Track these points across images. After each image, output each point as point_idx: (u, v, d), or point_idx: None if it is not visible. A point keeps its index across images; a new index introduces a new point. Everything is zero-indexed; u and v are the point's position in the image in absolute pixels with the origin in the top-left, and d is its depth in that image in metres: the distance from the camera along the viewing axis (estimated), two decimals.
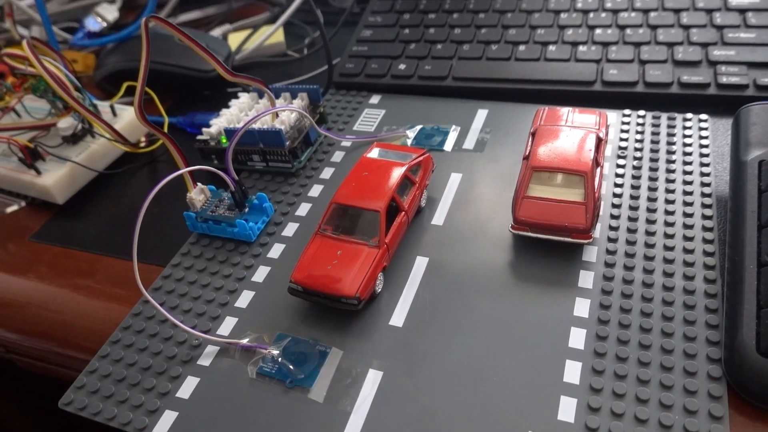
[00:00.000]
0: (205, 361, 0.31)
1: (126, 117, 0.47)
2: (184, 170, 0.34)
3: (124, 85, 0.47)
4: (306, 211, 0.39)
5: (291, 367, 0.30)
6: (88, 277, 0.39)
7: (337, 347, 0.31)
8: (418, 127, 0.44)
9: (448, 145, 0.42)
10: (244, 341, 0.31)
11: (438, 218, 0.37)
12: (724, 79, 0.41)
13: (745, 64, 0.42)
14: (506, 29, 0.50)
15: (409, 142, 0.43)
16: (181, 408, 0.29)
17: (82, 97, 0.44)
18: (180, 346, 0.32)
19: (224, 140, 0.41)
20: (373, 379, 0.29)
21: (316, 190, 0.40)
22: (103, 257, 0.40)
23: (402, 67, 0.49)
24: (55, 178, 0.42)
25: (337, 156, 0.43)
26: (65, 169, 0.43)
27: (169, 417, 0.29)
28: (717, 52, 0.43)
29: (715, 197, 0.35)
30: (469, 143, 0.42)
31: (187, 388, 0.30)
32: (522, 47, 0.48)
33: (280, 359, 0.30)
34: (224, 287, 0.35)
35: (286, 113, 0.41)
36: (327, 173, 0.42)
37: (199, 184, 0.38)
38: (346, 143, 0.44)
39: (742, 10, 0.46)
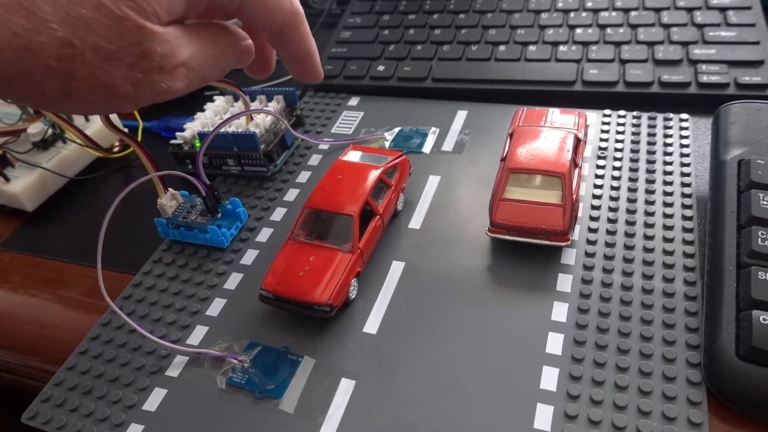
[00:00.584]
0: (173, 371, 0.30)
1: (98, 121, 0.46)
2: (152, 175, 0.33)
3: None
4: (281, 216, 0.38)
5: (261, 377, 0.29)
6: (57, 287, 0.38)
7: (310, 356, 0.30)
8: (397, 129, 0.43)
9: (427, 147, 0.42)
10: (214, 351, 0.30)
11: (415, 222, 0.36)
12: (704, 78, 0.41)
13: (725, 62, 0.42)
14: (486, 29, 0.49)
15: (387, 144, 0.42)
16: (147, 421, 0.28)
17: None
18: (148, 356, 0.31)
19: (198, 144, 0.40)
20: (345, 388, 0.28)
21: (291, 195, 0.40)
22: (73, 266, 0.39)
23: (381, 68, 0.48)
24: (24, 185, 0.41)
25: (315, 159, 0.42)
26: (35, 175, 0.42)
27: (134, 430, 0.28)
28: (697, 51, 0.43)
29: (696, 198, 0.34)
30: (448, 145, 0.42)
31: (154, 400, 0.29)
32: (502, 47, 0.47)
33: (250, 369, 0.29)
34: (196, 295, 0.34)
35: (261, 116, 0.40)
36: (304, 177, 0.41)
37: (170, 189, 0.37)
38: (324, 146, 0.43)
39: (723, 9, 0.45)
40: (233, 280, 0.35)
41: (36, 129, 0.43)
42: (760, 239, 0.28)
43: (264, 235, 0.37)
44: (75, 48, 0.21)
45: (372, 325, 0.31)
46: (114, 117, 0.46)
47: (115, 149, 0.45)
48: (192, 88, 0.26)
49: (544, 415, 0.26)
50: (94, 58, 0.21)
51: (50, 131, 0.43)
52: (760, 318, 0.25)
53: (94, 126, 0.45)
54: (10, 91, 0.22)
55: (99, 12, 0.21)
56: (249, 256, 0.36)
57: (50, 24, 0.20)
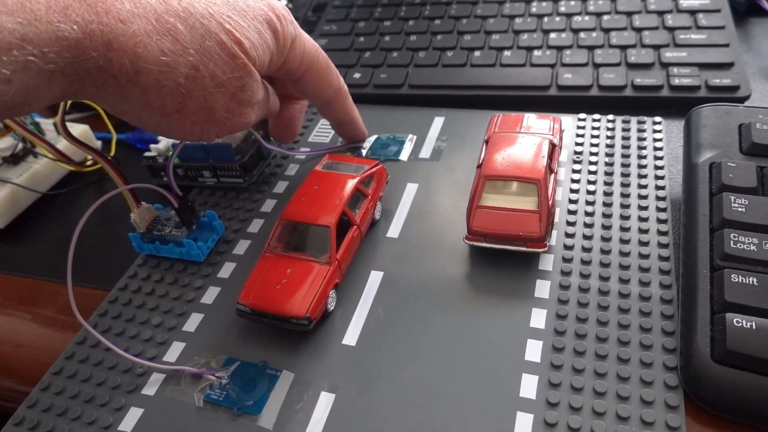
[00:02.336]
0: (150, 389, 0.30)
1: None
2: (120, 189, 0.33)
3: (69, 102, 0.45)
4: (258, 228, 0.38)
5: (240, 393, 0.29)
6: (30, 305, 0.37)
7: (288, 369, 0.30)
8: (374, 137, 0.43)
9: (404, 155, 0.41)
10: (191, 368, 0.30)
11: (393, 230, 0.36)
12: (676, 81, 0.41)
13: (696, 65, 0.42)
14: (461, 35, 0.49)
15: (364, 152, 0.42)
16: None
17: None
18: (124, 374, 0.31)
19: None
20: (325, 402, 0.28)
21: (269, 205, 0.39)
22: (46, 283, 0.38)
23: (357, 75, 0.48)
24: None
25: (292, 169, 0.42)
26: (5, 191, 0.41)
27: None
28: (669, 54, 0.43)
29: (670, 201, 0.35)
30: (426, 152, 0.42)
31: (130, 420, 0.29)
32: (477, 53, 0.47)
33: (228, 385, 0.29)
34: (172, 310, 0.34)
35: None
36: (281, 187, 0.41)
37: (143, 203, 0.36)
38: (301, 156, 0.43)
39: (693, 12, 0.46)
40: (210, 294, 0.34)
41: (6, 144, 0.42)
42: (732, 242, 0.28)
43: (241, 247, 0.37)
44: (199, 72, 0.26)
45: (351, 336, 0.31)
46: (86, 130, 0.45)
47: (88, 163, 0.44)
48: (255, 123, 0.32)
49: (523, 423, 0.26)
50: (209, 84, 0.27)
51: (20, 146, 0.43)
52: (734, 321, 0.25)
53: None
54: (137, 100, 0.26)
55: (221, 48, 0.27)
56: (226, 269, 0.35)
57: (188, 50, 0.26)
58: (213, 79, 0.27)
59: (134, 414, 0.29)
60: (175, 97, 0.26)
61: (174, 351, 0.31)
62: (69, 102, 0.44)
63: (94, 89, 0.25)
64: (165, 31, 0.25)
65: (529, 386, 0.27)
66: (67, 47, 0.22)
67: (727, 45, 0.43)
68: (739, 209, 0.29)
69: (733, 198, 0.29)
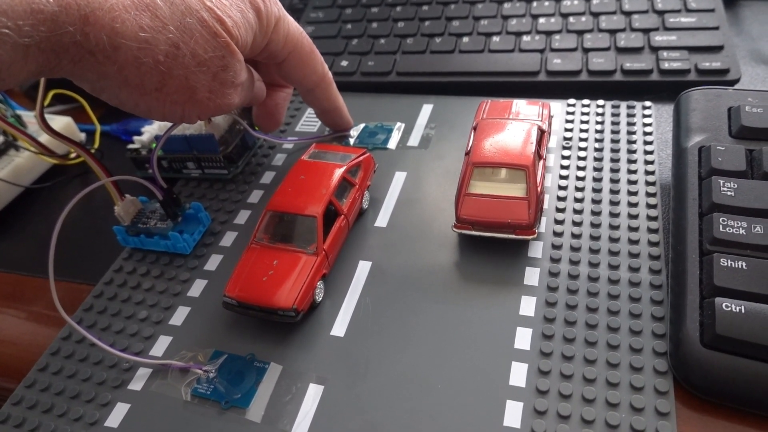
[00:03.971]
0: (136, 385, 0.29)
1: (54, 127, 0.44)
2: (103, 181, 0.32)
3: (50, 93, 0.44)
4: (245, 219, 0.37)
5: (227, 386, 0.28)
6: (13, 301, 0.36)
7: (276, 362, 0.29)
8: (362, 126, 0.43)
9: (393, 143, 0.41)
10: (178, 362, 0.30)
11: (381, 220, 0.36)
12: (666, 65, 0.41)
13: (686, 48, 0.42)
14: (450, 21, 0.49)
15: (352, 141, 0.41)
16: None
17: (4, 108, 0.42)
18: (110, 370, 0.30)
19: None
20: (313, 394, 0.28)
21: (255, 196, 0.39)
22: (30, 278, 0.37)
23: (344, 63, 0.47)
24: None
25: (279, 159, 0.42)
26: None
27: None
28: (658, 38, 0.43)
29: (660, 185, 0.34)
30: (414, 140, 0.41)
31: (117, 415, 0.28)
32: (466, 39, 0.47)
33: (215, 379, 0.29)
34: (159, 304, 0.33)
35: (220, 117, 0.39)
36: (268, 177, 0.40)
37: (128, 195, 0.35)
38: (288, 145, 0.43)
39: None
40: (197, 287, 0.34)
41: None
42: (721, 226, 0.28)
43: (228, 239, 0.36)
44: (179, 50, 0.26)
45: (339, 327, 0.30)
46: (69, 122, 0.44)
47: (72, 155, 0.43)
48: (239, 106, 0.31)
49: (513, 411, 0.26)
50: (190, 62, 0.26)
51: (2, 139, 0.42)
52: (723, 305, 0.25)
53: None
54: (115, 77, 0.25)
55: (202, 26, 0.26)
56: (213, 262, 0.35)
57: (168, 26, 0.25)
58: (194, 58, 0.26)
59: (121, 409, 0.28)
60: (155, 75, 0.25)
61: (161, 345, 0.31)
62: (49, 95, 0.43)
63: (71, 66, 0.24)
64: (144, 7, 0.24)
65: (518, 374, 0.27)
66: (43, 20, 0.22)
67: (716, 28, 0.42)
68: (728, 193, 0.29)
69: (722, 182, 0.29)
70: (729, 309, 0.25)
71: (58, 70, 0.24)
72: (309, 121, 0.44)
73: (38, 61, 0.23)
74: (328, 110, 0.39)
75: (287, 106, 0.40)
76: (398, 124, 0.42)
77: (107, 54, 0.24)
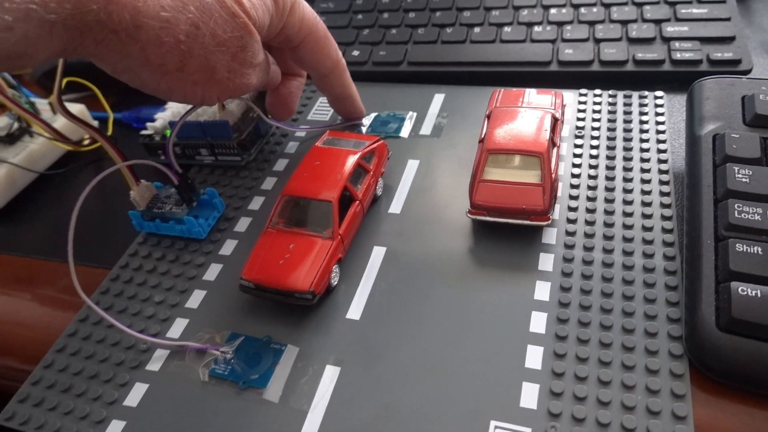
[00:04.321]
0: (154, 365, 0.30)
1: None
2: (119, 165, 0.32)
3: (64, 81, 0.44)
4: (259, 205, 0.37)
5: (244, 367, 0.29)
6: (30, 284, 0.37)
7: (293, 344, 0.29)
8: (374, 115, 0.43)
9: (405, 132, 0.41)
10: (195, 343, 0.30)
11: (395, 206, 0.36)
12: (678, 55, 0.41)
13: (698, 39, 0.42)
14: (461, 11, 0.49)
15: (364, 129, 0.42)
16: (128, 417, 0.28)
17: (18, 95, 0.42)
18: (128, 351, 0.31)
19: (169, 133, 0.39)
20: (330, 375, 0.28)
21: (269, 183, 0.39)
22: (46, 262, 0.38)
23: (356, 53, 0.47)
24: None
25: (291, 147, 0.42)
26: (2, 171, 0.40)
27: (116, 427, 0.27)
28: (670, 29, 0.43)
29: (673, 174, 0.34)
30: (426, 129, 0.41)
31: (136, 395, 0.29)
32: (477, 29, 0.47)
33: (232, 360, 0.29)
34: (174, 287, 0.33)
35: (234, 104, 0.39)
36: (281, 165, 0.40)
37: (143, 181, 0.36)
38: (301, 133, 0.43)
39: None
40: (212, 271, 0.34)
41: (1, 123, 0.41)
42: (736, 212, 0.28)
43: (242, 224, 0.36)
44: (200, 29, 0.26)
45: (355, 311, 0.31)
46: (82, 109, 0.45)
47: (85, 142, 0.43)
48: (256, 87, 0.31)
49: (529, 393, 0.26)
50: (210, 42, 0.27)
51: (16, 125, 0.42)
52: (739, 289, 0.25)
53: (63, 119, 0.44)
54: (137, 57, 0.25)
55: (221, 6, 0.27)
56: (228, 247, 0.35)
57: (188, 6, 0.26)
58: (214, 38, 0.27)
59: (139, 389, 0.29)
60: (176, 54, 0.26)
61: (177, 327, 0.31)
62: (64, 81, 0.43)
63: (94, 45, 0.24)
64: None
65: (534, 357, 0.27)
66: None
67: (728, 19, 0.42)
68: (743, 180, 0.29)
69: (737, 168, 0.29)
70: (745, 293, 0.25)
71: (81, 49, 0.24)
72: (321, 110, 0.45)
73: (63, 38, 0.23)
74: (341, 97, 0.39)
75: (300, 95, 0.40)
76: (410, 113, 0.43)
77: (130, 33, 0.24)
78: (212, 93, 0.29)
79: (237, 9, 0.27)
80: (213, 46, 0.27)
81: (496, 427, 0.25)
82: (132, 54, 0.25)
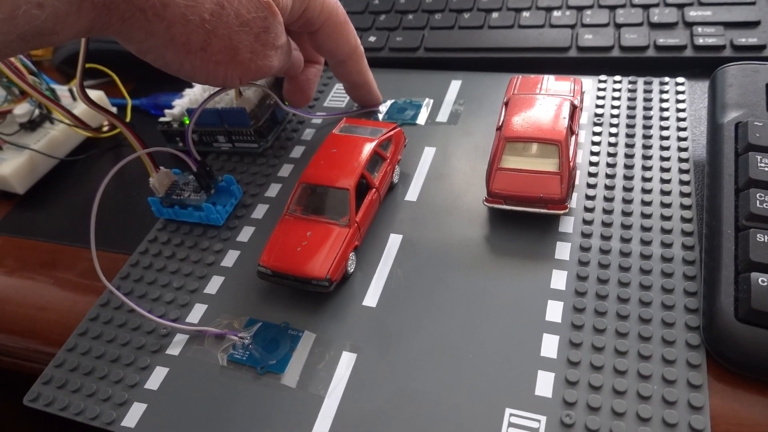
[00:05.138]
0: (174, 350, 0.30)
1: None
2: (139, 153, 0.33)
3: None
4: (276, 192, 0.38)
5: (262, 352, 0.29)
6: (52, 269, 0.37)
7: (310, 330, 0.30)
8: (390, 102, 0.43)
9: (421, 119, 0.41)
10: (214, 328, 0.30)
11: (411, 194, 0.36)
12: (700, 41, 0.40)
13: (721, 24, 0.41)
14: None
15: (381, 116, 0.42)
16: (149, 399, 0.28)
17: (38, 81, 0.42)
18: (148, 335, 0.31)
19: (187, 121, 0.40)
20: (347, 361, 0.28)
21: (286, 170, 0.39)
22: (67, 247, 0.38)
23: (372, 39, 0.47)
24: (13, 167, 0.40)
25: (308, 134, 0.42)
26: (24, 157, 0.41)
27: (137, 409, 0.28)
28: (693, 13, 0.42)
29: (693, 162, 0.34)
30: (443, 116, 0.41)
31: (156, 378, 0.29)
32: (495, 14, 0.46)
33: (250, 345, 0.29)
34: (193, 273, 0.34)
35: (250, 91, 0.39)
36: (297, 152, 0.40)
37: (162, 168, 0.36)
38: (317, 120, 0.43)
39: None
40: (230, 258, 0.34)
41: (23, 110, 0.42)
42: (758, 201, 0.27)
43: (260, 211, 0.37)
44: (224, 9, 0.26)
45: (371, 298, 0.31)
46: (101, 96, 0.45)
47: (105, 129, 0.44)
48: (278, 71, 0.32)
49: (545, 381, 0.26)
50: (234, 22, 0.27)
51: (37, 112, 0.43)
52: (759, 280, 0.25)
53: (83, 105, 0.44)
54: (162, 35, 0.25)
55: None
56: (245, 233, 0.36)
57: None
58: (237, 18, 0.27)
59: (160, 373, 0.29)
60: (200, 33, 0.26)
61: (196, 313, 0.32)
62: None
63: (120, 23, 0.25)
64: None
65: (550, 346, 0.27)
66: None
67: (753, 3, 0.42)
68: (766, 169, 0.29)
69: (759, 157, 0.29)
70: (765, 284, 0.25)
71: (108, 27, 0.24)
72: (337, 97, 0.45)
73: (90, 16, 0.23)
74: (358, 84, 0.39)
75: (317, 82, 0.40)
76: (427, 99, 0.42)
77: (156, 11, 0.25)
78: (234, 74, 0.29)
79: None
80: (237, 26, 0.27)
81: (511, 414, 0.25)
82: (157, 32, 0.25)
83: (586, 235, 0.31)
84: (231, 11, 0.27)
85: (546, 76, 0.37)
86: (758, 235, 0.26)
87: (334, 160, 0.33)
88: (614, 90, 0.40)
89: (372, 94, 0.40)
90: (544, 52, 0.43)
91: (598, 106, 0.39)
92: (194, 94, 0.41)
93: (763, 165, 0.29)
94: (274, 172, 0.39)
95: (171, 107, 0.41)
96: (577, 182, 0.34)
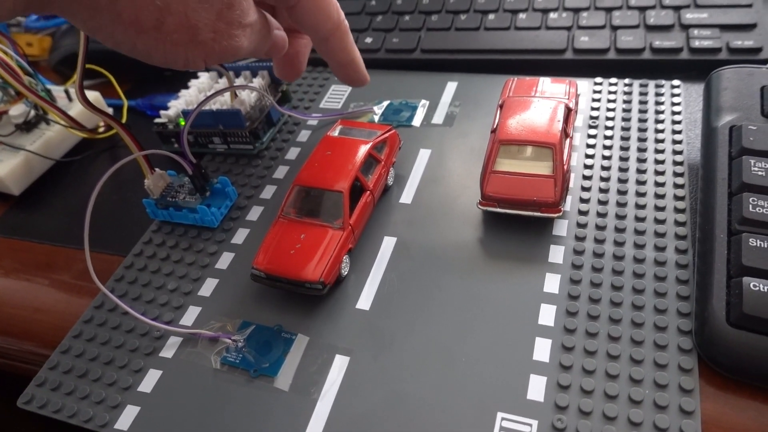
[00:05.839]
0: (167, 352, 0.30)
1: None
2: (135, 155, 0.33)
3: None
4: (271, 194, 0.38)
5: (255, 355, 0.29)
6: (48, 270, 0.37)
7: (303, 333, 0.30)
8: (386, 103, 0.43)
9: (417, 121, 0.41)
10: (207, 331, 0.30)
11: (406, 196, 0.36)
12: (696, 43, 0.40)
13: (717, 26, 0.41)
14: None
15: (376, 118, 0.42)
16: (143, 402, 0.28)
17: (34, 82, 0.42)
18: (142, 338, 0.31)
19: (182, 122, 0.40)
20: (339, 364, 0.28)
21: (281, 172, 0.39)
22: (63, 249, 0.38)
23: (369, 40, 0.47)
24: (8, 168, 0.40)
25: (303, 135, 0.42)
26: (19, 158, 0.41)
27: (130, 412, 0.28)
28: (689, 15, 0.42)
29: (688, 165, 0.34)
30: (438, 117, 0.41)
31: (149, 381, 0.29)
32: (491, 16, 0.46)
33: (244, 348, 0.29)
34: (187, 275, 0.34)
35: (246, 93, 0.39)
36: (293, 153, 0.40)
37: (157, 169, 0.36)
38: (313, 122, 0.43)
39: None
40: (225, 260, 0.34)
41: (18, 111, 0.42)
42: (751, 206, 0.27)
43: (254, 213, 0.37)
44: None
45: (365, 301, 0.31)
46: (97, 96, 0.45)
47: (101, 129, 0.44)
48: (250, 52, 0.29)
49: (537, 385, 0.26)
50: None
51: (33, 113, 0.43)
52: (751, 285, 0.25)
53: (78, 106, 0.44)
54: (108, 12, 0.23)
55: None
56: (240, 235, 0.36)
57: None
58: None
59: (153, 375, 0.29)
60: (151, 10, 0.24)
61: (190, 315, 0.32)
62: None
63: (61, 0, 0.23)
64: None
65: (542, 349, 0.27)
66: None
67: (749, 5, 0.41)
68: (759, 173, 0.29)
69: (753, 161, 0.29)
70: (756, 288, 0.25)
71: (48, 4, 0.23)
72: (333, 98, 0.45)
73: None
74: (344, 63, 0.35)
75: (308, 54, 0.38)
76: (423, 101, 0.42)
77: None
78: (196, 55, 0.26)
79: None
80: (194, 3, 0.24)
81: (502, 418, 0.25)
82: (101, 8, 0.23)
83: (580, 239, 0.31)
84: None
85: (541, 79, 0.37)
86: (750, 240, 0.26)
87: (329, 162, 0.33)
88: (610, 92, 0.40)
89: (359, 73, 0.37)
90: (541, 54, 0.43)
91: (593, 109, 0.39)
92: (190, 95, 0.41)
93: (756, 169, 0.29)
94: (270, 174, 0.39)
95: (166, 108, 0.41)
96: (571, 185, 0.34)
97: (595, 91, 0.40)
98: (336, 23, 0.33)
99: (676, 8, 0.43)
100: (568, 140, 0.33)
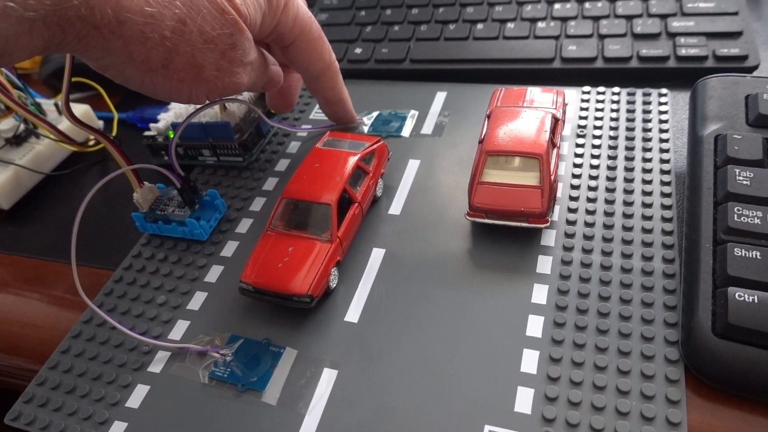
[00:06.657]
0: (155, 367, 0.30)
1: None
2: (124, 169, 0.33)
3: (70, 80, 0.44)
4: (260, 206, 0.38)
5: (244, 369, 0.29)
6: (37, 285, 0.37)
7: (291, 347, 0.30)
8: (375, 113, 0.43)
9: (406, 131, 0.41)
10: (196, 345, 0.30)
11: (395, 207, 0.36)
12: (683, 51, 0.40)
13: (704, 35, 0.41)
14: (464, 7, 0.48)
15: (366, 129, 0.42)
16: (130, 418, 0.28)
17: (24, 96, 0.42)
18: (130, 352, 0.31)
19: (171, 135, 0.40)
20: (327, 378, 0.28)
21: (270, 184, 0.39)
22: (52, 263, 0.38)
23: (358, 51, 0.47)
24: None
25: (293, 147, 0.42)
26: (9, 172, 0.41)
27: (118, 428, 0.28)
28: (676, 24, 0.42)
29: (675, 174, 0.34)
30: (428, 128, 0.41)
31: (137, 396, 0.29)
32: (480, 26, 0.47)
33: (232, 362, 0.29)
34: (177, 289, 0.34)
35: (235, 105, 0.39)
36: (282, 165, 0.41)
37: (146, 183, 0.36)
38: (302, 134, 0.43)
39: None
40: (214, 273, 0.34)
41: (7, 125, 0.42)
42: (736, 215, 0.28)
43: (244, 225, 0.37)
44: (186, 26, 0.25)
45: (353, 313, 0.31)
46: (87, 109, 0.45)
47: (91, 143, 0.44)
48: (249, 87, 0.31)
49: (524, 397, 0.26)
50: (197, 39, 0.26)
51: (22, 127, 0.43)
52: (736, 295, 0.25)
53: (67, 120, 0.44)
54: (120, 53, 0.25)
55: (210, 2, 0.26)
56: (229, 248, 0.36)
57: (175, 1, 0.25)
58: (201, 35, 0.26)
59: (141, 391, 0.29)
60: (161, 51, 0.25)
61: (179, 329, 0.32)
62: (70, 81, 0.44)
63: (76, 42, 0.24)
64: None
65: (530, 361, 0.27)
66: None
67: (735, 13, 0.42)
68: (744, 182, 0.29)
69: (738, 171, 0.29)
70: (742, 299, 0.25)
71: (63, 45, 0.24)
72: None
73: (44, 35, 0.23)
74: (332, 101, 0.38)
75: (300, 88, 0.40)
76: (412, 111, 0.43)
77: (112, 29, 0.24)
78: (200, 91, 0.28)
79: (227, 5, 0.26)
80: (200, 44, 0.26)
81: (490, 431, 0.25)
82: (115, 50, 0.25)
83: (568, 249, 0.32)
84: (194, 28, 0.26)
85: (529, 88, 0.37)
86: (736, 249, 0.26)
87: (317, 174, 0.33)
88: (598, 101, 0.40)
89: (346, 112, 0.39)
90: (529, 64, 0.43)
91: (581, 118, 0.39)
92: (179, 108, 0.41)
93: (741, 178, 0.29)
94: (259, 186, 0.39)
95: (156, 121, 0.41)
96: (559, 195, 0.34)
97: (583, 100, 0.40)
98: (327, 64, 0.35)
99: (663, 17, 0.43)
100: (555, 150, 0.33)
